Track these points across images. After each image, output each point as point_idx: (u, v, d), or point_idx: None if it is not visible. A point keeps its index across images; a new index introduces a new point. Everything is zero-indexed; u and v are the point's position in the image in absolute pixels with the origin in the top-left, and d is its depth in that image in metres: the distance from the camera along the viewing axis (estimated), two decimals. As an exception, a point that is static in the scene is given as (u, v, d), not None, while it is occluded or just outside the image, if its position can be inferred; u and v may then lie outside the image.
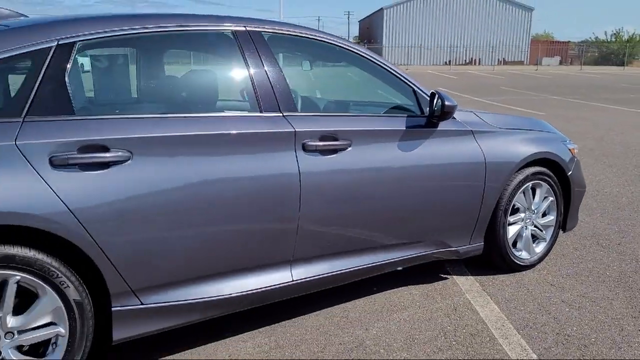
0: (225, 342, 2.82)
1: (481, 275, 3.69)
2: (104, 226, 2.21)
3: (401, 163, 3.06)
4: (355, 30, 74.43)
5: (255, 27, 2.80)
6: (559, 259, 3.99)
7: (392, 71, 3.22)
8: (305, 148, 2.72)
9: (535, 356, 2.71)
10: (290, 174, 2.66)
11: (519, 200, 3.64)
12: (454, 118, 3.29)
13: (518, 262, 3.72)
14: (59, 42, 2.27)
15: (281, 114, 2.71)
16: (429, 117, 3.19)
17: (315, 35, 3.04)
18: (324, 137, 2.78)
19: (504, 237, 3.59)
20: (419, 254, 3.30)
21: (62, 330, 2.23)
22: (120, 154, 2.25)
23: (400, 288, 3.48)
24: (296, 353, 2.72)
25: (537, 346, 2.81)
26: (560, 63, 53.58)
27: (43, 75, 2.20)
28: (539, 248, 3.85)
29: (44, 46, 2.24)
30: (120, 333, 2.37)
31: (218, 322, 2.92)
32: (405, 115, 3.18)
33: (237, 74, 2.77)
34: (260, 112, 2.67)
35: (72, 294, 2.21)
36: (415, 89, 3.25)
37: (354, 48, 3.14)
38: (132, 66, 2.68)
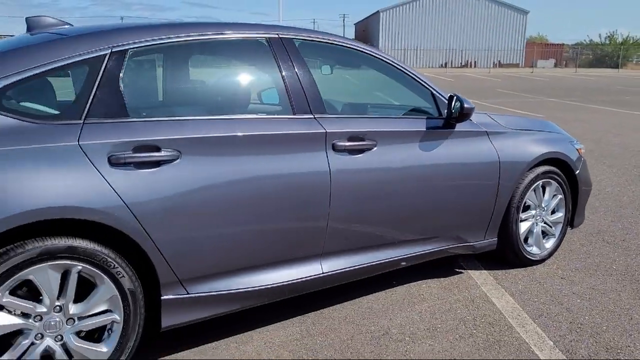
0: (259, 331, 2.99)
1: (494, 269, 3.87)
2: (155, 220, 2.38)
3: (422, 162, 3.24)
4: (351, 33, 74.69)
5: (287, 34, 2.98)
6: (567, 254, 4.18)
7: (412, 75, 3.40)
8: (335, 148, 2.89)
9: (551, 343, 2.89)
10: (321, 172, 2.84)
11: (530, 197, 3.83)
12: (470, 119, 3.47)
13: (529, 257, 3.90)
14: (112, 50, 2.45)
15: (312, 116, 2.88)
16: (446, 118, 3.37)
17: (341, 42, 3.22)
18: (351, 137, 2.96)
19: (516, 233, 3.78)
20: (438, 249, 3.48)
21: (118, 317, 2.40)
22: (170, 153, 2.42)
23: (418, 282, 3.66)
24: (327, 340, 2.89)
25: (552, 334, 2.99)
26: (555, 65, 53.94)
27: (99, 80, 2.38)
28: (549, 244, 4.04)
29: (99, 54, 2.41)
30: (168, 321, 2.54)
31: (253, 313, 3.08)
32: (425, 117, 3.36)
33: (272, 78, 2.95)
34: (294, 114, 2.85)
35: (127, 283, 2.38)
36: (434, 91, 3.43)
37: (376, 53, 3.32)
38: (177, 71, 2.85)
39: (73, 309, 2.30)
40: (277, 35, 2.94)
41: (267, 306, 3.09)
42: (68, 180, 2.20)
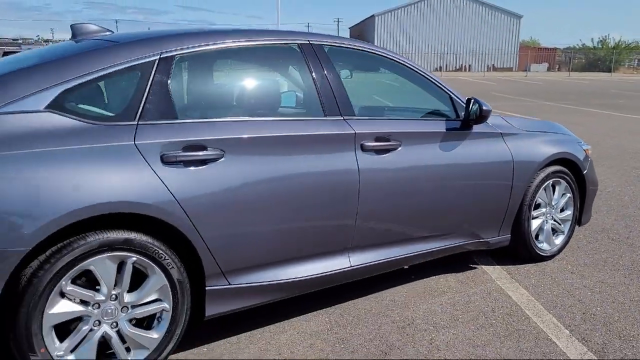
0: (291, 321, 3.16)
1: (507, 265, 4.05)
2: (202, 215, 2.54)
3: (442, 162, 3.41)
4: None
5: (317, 40, 3.16)
6: (575, 250, 4.37)
7: (431, 79, 3.58)
8: (363, 148, 3.07)
9: (567, 331, 3.07)
10: (351, 171, 3.01)
11: (541, 196, 4.02)
12: (486, 121, 3.65)
13: (540, 252, 4.08)
14: (161, 56, 2.61)
15: (342, 118, 3.06)
16: (464, 120, 3.55)
17: (366, 47, 3.40)
18: (378, 138, 3.14)
19: (528, 230, 3.96)
20: (455, 244, 3.65)
21: (167, 306, 2.56)
22: (215, 152, 2.59)
23: (435, 276, 3.83)
24: (356, 330, 3.06)
25: (567, 323, 3.17)
26: (548, 69, 54.41)
27: (150, 84, 2.54)
28: (558, 240, 4.23)
29: (149, 59, 2.58)
30: (211, 310, 2.70)
31: (283, 305, 3.24)
32: (444, 118, 3.54)
33: (304, 81, 3.12)
34: (325, 116, 3.02)
35: (176, 274, 2.54)
36: (452, 95, 3.61)
37: (398, 58, 3.50)
38: (220, 75, 3.02)
39: (127, 297, 2.45)
40: (308, 42, 3.12)
41: (295, 299, 3.25)
42: (126, 177, 2.36)
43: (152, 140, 2.45)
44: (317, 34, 3.23)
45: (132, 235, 2.39)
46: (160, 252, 2.47)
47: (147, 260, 2.45)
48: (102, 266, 2.35)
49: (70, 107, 2.38)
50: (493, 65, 52.75)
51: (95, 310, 2.38)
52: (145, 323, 2.57)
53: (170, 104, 2.57)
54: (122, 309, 2.45)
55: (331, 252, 3.09)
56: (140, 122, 2.47)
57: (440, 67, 50.18)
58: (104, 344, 2.45)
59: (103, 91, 2.55)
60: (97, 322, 2.39)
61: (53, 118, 2.31)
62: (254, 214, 2.72)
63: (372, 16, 52.79)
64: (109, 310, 2.41)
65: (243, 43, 2.92)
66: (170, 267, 2.51)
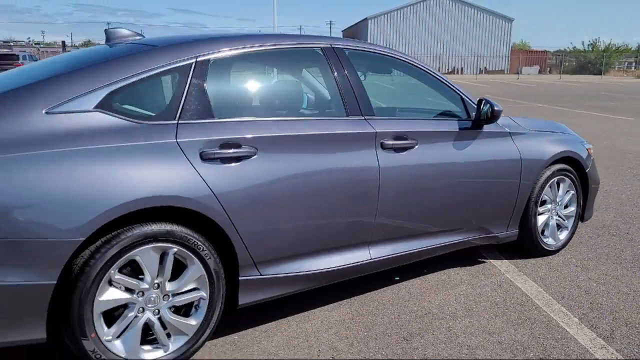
0: (315, 311, 3.31)
1: (514, 259, 4.23)
2: (237, 209, 2.70)
3: (456, 159, 3.59)
4: (337, 40, 75.15)
5: (339, 44, 3.33)
6: (578, 245, 4.56)
7: (443, 81, 3.76)
8: (383, 146, 3.24)
9: (576, 319, 3.25)
10: (372, 168, 3.18)
11: (546, 193, 4.20)
12: (496, 122, 3.82)
13: (546, 247, 4.27)
14: (197, 59, 2.77)
15: (363, 117, 3.23)
16: (475, 120, 3.73)
17: (384, 51, 3.57)
18: (397, 137, 3.31)
19: (535, 225, 4.14)
20: (467, 239, 3.83)
21: (204, 294, 2.71)
22: (249, 150, 2.75)
23: (447, 270, 4.00)
24: (377, 319, 3.22)
25: (576, 312, 3.35)
26: (540, 72, 54.86)
27: (188, 85, 2.70)
28: (562, 235, 4.41)
29: (186, 62, 2.74)
30: (244, 299, 2.86)
31: (306, 296, 3.40)
32: (456, 119, 3.72)
33: (327, 82, 3.29)
34: (347, 115, 3.19)
35: (212, 264, 2.70)
36: (463, 96, 3.79)
37: (414, 61, 3.68)
38: (251, 76, 3.19)
39: (169, 286, 2.61)
40: (330, 45, 3.28)
41: (317, 291, 3.41)
42: (169, 172, 2.51)
43: (192, 138, 2.60)
44: (339, 38, 3.40)
45: (174, 227, 2.55)
46: (199, 243, 2.62)
47: (186, 252, 2.61)
48: (147, 256, 2.50)
49: (117, 107, 2.53)
50: (485, 68, 53.15)
51: (140, 298, 2.53)
52: (183, 311, 2.72)
53: (206, 104, 2.73)
54: (163, 297, 2.60)
55: (353, 245, 3.25)
56: (180, 122, 2.63)
57: (433, 70, 50.42)
58: (146, 330, 2.60)
59: (145, 92, 2.70)
60: (141, 309, 2.54)
61: (102, 117, 2.46)
62: (283, 208, 2.87)
63: (365, 19, 53.08)
64: (152, 298, 2.56)
65: (271, 47, 3.09)
66: (207, 258, 2.67)
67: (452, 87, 3.78)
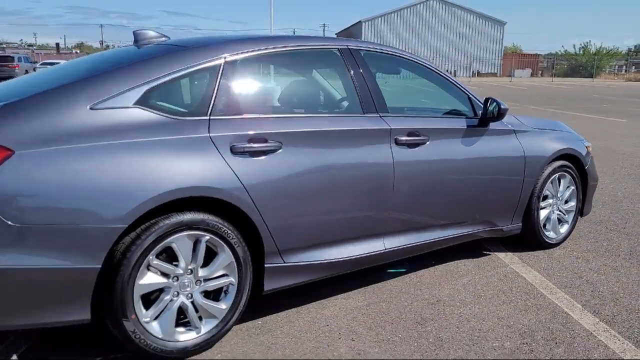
0: (332, 299, 3.49)
1: (517, 251, 4.42)
2: (264, 200, 2.87)
3: (464, 155, 3.77)
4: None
5: (355, 46, 3.51)
6: (578, 239, 4.75)
7: (452, 81, 3.95)
8: (397, 142, 3.42)
9: (580, 306, 3.44)
10: (387, 163, 3.36)
11: (548, 188, 4.39)
12: (501, 119, 4.01)
13: (547, 240, 4.46)
14: (226, 59, 2.95)
15: (378, 115, 3.41)
16: (481, 118, 3.92)
17: (396, 52, 3.76)
18: (410, 133, 3.49)
19: (537, 219, 4.33)
20: (474, 231, 4.01)
21: (233, 280, 2.88)
22: (274, 144, 2.92)
23: (454, 262, 4.19)
24: (391, 306, 3.40)
25: (579, 299, 3.54)
26: (532, 75, 55.31)
27: (218, 83, 2.87)
28: (563, 229, 4.61)
29: (216, 62, 2.91)
30: (269, 285, 3.02)
31: (323, 285, 3.57)
32: (464, 117, 3.91)
33: (344, 81, 3.47)
34: (363, 113, 3.37)
35: (241, 252, 2.86)
36: (470, 95, 3.98)
37: (425, 63, 3.87)
38: (275, 75, 3.37)
39: (201, 272, 2.77)
40: (346, 47, 3.47)
41: (331, 281, 3.58)
42: (203, 165, 2.68)
43: (223, 133, 2.78)
44: (355, 40, 3.59)
45: (207, 216, 2.71)
46: (229, 232, 2.79)
47: (218, 239, 2.77)
48: (182, 243, 2.67)
49: (154, 104, 2.70)
50: (478, 71, 53.56)
51: (175, 283, 2.70)
52: (212, 295, 2.89)
53: (235, 101, 2.91)
54: (196, 282, 2.77)
55: (369, 236, 3.42)
56: (211, 117, 2.80)
57: (426, 73, 50.75)
58: (179, 313, 2.76)
59: (179, 90, 2.87)
60: (176, 293, 2.71)
61: (140, 113, 2.63)
62: (305, 199, 3.05)
63: (359, 22, 53.36)
64: (186, 283, 2.73)
65: (293, 47, 3.27)
66: (236, 245, 2.83)
67: (459, 86, 3.97)
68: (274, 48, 3.17)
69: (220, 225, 2.75)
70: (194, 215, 2.67)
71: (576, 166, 4.58)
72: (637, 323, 3.21)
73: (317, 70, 3.78)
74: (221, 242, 2.79)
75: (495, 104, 3.82)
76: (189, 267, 2.73)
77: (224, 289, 2.89)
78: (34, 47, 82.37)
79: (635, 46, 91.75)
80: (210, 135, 2.74)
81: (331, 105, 3.62)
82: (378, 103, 3.43)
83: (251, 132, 2.87)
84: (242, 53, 3.02)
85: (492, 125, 3.97)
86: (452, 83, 3.95)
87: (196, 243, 2.73)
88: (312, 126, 3.11)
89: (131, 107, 2.62)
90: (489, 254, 4.37)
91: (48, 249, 2.33)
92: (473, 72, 51.95)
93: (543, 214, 4.42)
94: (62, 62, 31.91)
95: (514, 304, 3.45)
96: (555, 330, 3.11)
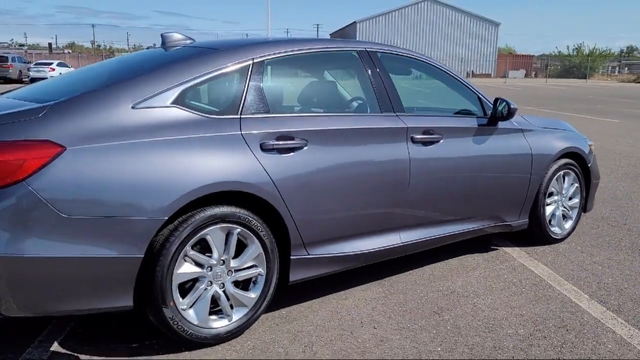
0: (351, 290, 3.64)
1: (524, 246, 4.59)
2: (291, 194, 3.02)
3: (475, 153, 3.94)
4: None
5: (372, 48, 3.67)
6: (581, 235, 4.93)
7: (463, 82, 4.11)
8: (413, 140, 3.58)
9: (587, 296, 3.61)
10: (404, 160, 3.52)
11: (553, 185, 4.57)
12: (510, 119, 4.18)
13: (553, 235, 4.63)
14: (254, 61, 3.10)
15: (395, 114, 3.57)
16: (491, 117, 4.09)
17: (411, 54, 3.92)
18: (425, 131, 3.65)
19: (543, 215, 4.51)
20: (483, 226, 4.18)
21: (262, 271, 3.03)
22: (300, 142, 3.07)
23: (464, 256, 4.35)
24: (407, 296, 3.56)
25: (586, 290, 3.71)
26: (526, 76, 55.67)
27: (247, 84, 3.03)
28: (567, 225, 4.78)
29: (245, 64, 3.06)
30: (294, 276, 3.18)
31: (340, 278, 3.73)
32: (474, 116, 4.07)
33: (363, 82, 3.63)
34: (381, 112, 3.53)
35: (269, 244, 3.02)
36: (480, 95, 4.14)
37: (438, 65, 4.03)
38: (300, 76, 3.52)
39: (232, 263, 2.92)
40: (364, 49, 3.62)
41: (348, 273, 3.73)
42: (235, 161, 2.83)
43: (253, 131, 2.93)
44: (372, 42, 3.75)
45: (239, 210, 2.86)
46: (259, 225, 2.95)
47: (248, 232, 2.92)
48: (216, 235, 2.82)
49: (189, 103, 2.85)
50: (472, 71, 53.84)
51: (209, 273, 2.85)
52: (241, 285, 3.04)
53: (263, 100, 3.06)
54: (227, 272, 2.92)
55: (386, 230, 3.58)
56: (242, 116, 2.95)
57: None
58: (212, 302, 2.91)
59: (211, 90, 3.02)
60: (209, 282, 2.86)
61: (177, 112, 2.78)
62: (328, 194, 3.20)
63: (354, 23, 53.56)
64: (219, 273, 2.88)
65: (315, 49, 3.42)
66: (265, 238, 2.99)
67: (469, 86, 4.14)
68: (299, 50, 3.33)
69: (250, 219, 2.90)
70: (227, 208, 2.82)
71: (580, 164, 4.75)
72: (642, 312, 3.38)
73: (337, 71, 3.94)
74: (251, 234, 2.94)
75: (504, 103, 3.99)
76: (222, 258, 2.88)
77: (253, 279, 3.04)
78: (26, 47, 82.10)
79: (627, 47, 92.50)
80: (242, 133, 2.89)
81: (351, 105, 3.79)
82: (394, 102, 3.59)
83: (279, 130, 3.02)
84: (268, 55, 3.17)
85: (501, 125, 4.14)
86: (463, 83, 4.12)
87: (228, 235, 2.88)
88: (335, 124, 3.26)
89: (168, 107, 2.77)
90: (497, 249, 4.54)
91: (96, 240, 2.47)
92: (467, 73, 52.23)
93: (549, 210, 4.59)
94: (56, 62, 31.33)
95: (524, 295, 3.62)
96: (565, 318, 3.28)
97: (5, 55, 37.52)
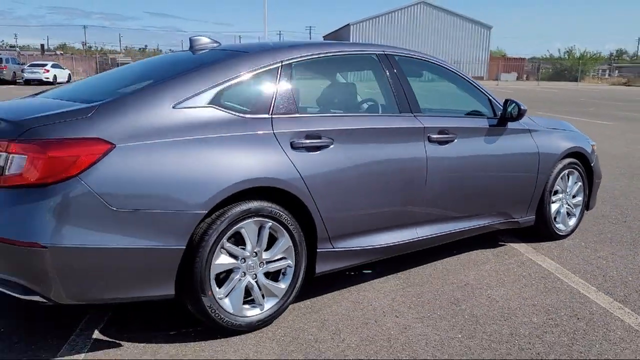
0: (368, 283, 3.81)
1: (530, 242, 4.78)
2: (318, 190, 3.18)
3: (486, 152, 4.12)
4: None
5: (390, 51, 3.85)
6: (584, 231, 5.13)
7: (474, 84, 4.30)
8: (429, 139, 3.76)
9: (594, 288, 3.80)
10: (421, 158, 3.70)
11: (558, 184, 4.76)
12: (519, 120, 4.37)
13: (557, 232, 4.83)
14: (283, 63, 3.27)
15: (412, 114, 3.74)
16: (500, 118, 4.27)
17: (425, 57, 4.11)
18: (440, 131, 3.83)
19: (549, 212, 4.70)
20: (493, 223, 4.36)
21: (291, 263, 3.19)
22: (327, 140, 3.24)
23: (474, 251, 4.53)
24: (424, 289, 3.73)
25: (592, 282, 3.90)
26: (517, 78, 56.12)
27: (277, 85, 3.19)
28: (571, 222, 4.98)
29: (274, 66, 3.23)
30: (320, 268, 3.34)
31: (360, 270, 3.90)
32: (485, 117, 4.26)
33: (381, 84, 3.80)
34: (399, 112, 3.71)
35: (297, 237, 3.18)
36: (490, 97, 4.33)
37: (451, 67, 4.22)
38: (325, 77, 3.70)
39: (264, 255, 3.09)
40: (383, 52, 3.80)
41: (364, 267, 3.90)
42: (268, 158, 3.00)
43: (284, 130, 3.10)
44: (390, 46, 3.93)
45: (270, 205, 3.03)
46: (288, 219, 3.11)
47: (279, 225, 3.09)
48: (249, 228, 2.98)
49: (224, 103, 3.01)
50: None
51: (243, 264, 3.01)
52: (271, 277, 3.20)
53: (292, 101, 3.23)
54: (259, 264, 3.08)
55: (404, 225, 3.75)
56: (273, 116, 3.12)
57: (414, 76, 51.35)
58: (245, 292, 3.07)
59: (243, 90, 3.17)
60: (243, 273, 3.02)
61: (214, 112, 2.94)
62: (352, 190, 3.37)
63: (347, 25, 53.83)
64: (252, 264, 3.04)
65: (338, 53, 3.60)
66: (294, 231, 3.15)
67: (480, 88, 4.32)
68: (323, 53, 3.50)
69: (281, 213, 3.07)
70: (260, 203, 2.98)
71: (583, 163, 4.95)
72: (647, 302, 3.57)
73: (358, 73, 4.11)
74: (281, 228, 3.10)
75: (514, 105, 4.18)
76: (255, 250, 3.04)
77: (283, 270, 3.20)
78: (18, 49, 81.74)
79: (617, 50, 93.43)
80: (274, 132, 3.06)
81: (371, 105, 3.97)
82: (412, 103, 3.76)
83: (307, 130, 3.18)
84: (295, 58, 3.34)
85: (510, 125, 4.33)
86: (474, 85, 4.30)
87: (260, 229, 3.04)
88: (358, 124, 3.44)
89: (206, 107, 2.93)
90: (505, 245, 4.72)
91: (142, 231, 2.63)
92: (460, 75, 52.56)
93: (554, 207, 4.78)
94: (50, 63, 31.28)
95: (535, 287, 3.80)
96: (575, 308, 3.47)
97: (0, 56, 37.47)
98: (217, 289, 2.92)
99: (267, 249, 3.10)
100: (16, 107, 3.13)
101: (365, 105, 3.85)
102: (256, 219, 2.99)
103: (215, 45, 3.73)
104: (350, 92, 3.87)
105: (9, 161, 2.53)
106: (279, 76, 3.22)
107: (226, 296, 2.97)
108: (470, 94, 4.35)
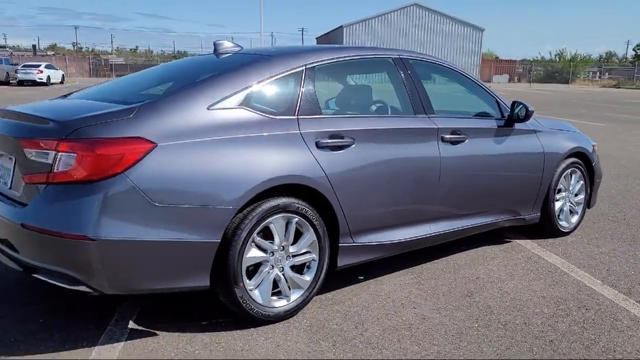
0: (384, 277, 3.98)
1: (535, 239, 4.97)
2: (341, 187, 3.35)
3: (495, 152, 4.30)
4: (311, 47, 75.97)
5: (405, 55, 4.02)
6: (586, 229, 5.33)
7: (483, 87, 4.49)
8: (442, 139, 3.93)
9: (599, 281, 3.99)
10: (435, 157, 3.87)
11: (562, 182, 4.95)
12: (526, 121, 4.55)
13: (561, 229, 5.02)
14: (306, 66, 3.43)
15: (426, 115, 3.92)
16: (508, 119, 4.46)
17: (438, 61, 4.29)
18: (453, 132, 4.01)
19: (553, 210, 4.89)
20: (501, 219, 4.55)
21: (315, 257, 3.35)
22: (349, 140, 3.41)
23: (482, 247, 4.71)
24: (438, 282, 3.90)
25: (597, 276, 4.09)
26: (509, 80, 56.55)
27: (302, 87, 3.36)
28: (574, 219, 5.17)
29: (299, 69, 3.39)
30: (342, 262, 3.50)
31: (376, 265, 4.07)
32: (494, 118, 4.44)
33: (396, 86, 3.97)
34: (414, 114, 3.88)
35: (321, 232, 3.34)
36: (497, 99, 4.51)
37: (460, 70, 4.40)
38: (346, 80, 3.86)
39: (291, 249, 3.25)
40: (399, 56, 3.98)
41: (379, 262, 4.06)
42: (296, 157, 3.16)
43: (309, 130, 3.26)
44: (405, 50, 4.11)
45: (297, 201, 3.19)
46: (313, 214, 3.27)
47: (304, 221, 3.25)
48: (278, 223, 3.14)
49: (253, 105, 3.17)
50: (457, 76, 54.46)
51: (271, 257, 3.17)
52: (296, 269, 3.35)
53: (315, 102, 3.39)
54: (286, 257, 3.24)
55: (419, 221, 3.92)
56: (299, 116, 3.28)
57: (407, 78, 51.61)
58: (273, 284, 3.23)
59: (271, 92, 3.33)
60: (271, 266, 3.18)
61: (244, 113, 3.10)
62: (372, 187, 3.54)
63: (341, 27, 54.05)
64: (279, 258, 3.20)
65: (356, 57, 3.77)
66: (319, 226, 3.31)
67: (488, 91, 4.51)
68: (343, 57, 3.67)
69: (306, 209, 3.23)
70: (287, 200, 3.14)
71: (585, 163, 5.15)
72: (650, 294, 3.76)
73: (375, 76, 4.29)
74: (307, 223, 3.26)
75: (521, 106, 4.36)
76: (282, 244, 3.20)
77: (307, 264, 3.36)
78: (10, 49, 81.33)
79: (607, 53, 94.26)
80: (301, 132, 3.22)
81: (388, 107, 4.14)
82: (426, 104, 3.94)
83: (330, 130, 3.35)
84: (318, 61, 3.51)
85: (517, 126, 4.51)
86: (482, 88, 4.48)
87: (287, 224, 3.20)
88: (377, 125, 3.61)
89: (237, 108, 3.09)
90: (511, 241, 4.91)
91: (182, 225, 2.78)
92: (452, 77, 52.91)
93: (557, 205, 4.97)
94: (43, 64, 31.19)
95: (543, 280, 3.99)
96: (583, 299, 3.65)
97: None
98: (247, 280, 3.08)
99: (293, 243, 3.26)
100: (57, 108, 3.28)
101: (382, 107, 4.03)
102: (284, 214, 3.15)
103: (237, 49, 3.88)
104: (368, 94, 4.04)
105: (58, 159, 2.67)
106: (303, 79, 3.38)
107: (256, 288, 3.13)
108: (479, 95, 4.53)
